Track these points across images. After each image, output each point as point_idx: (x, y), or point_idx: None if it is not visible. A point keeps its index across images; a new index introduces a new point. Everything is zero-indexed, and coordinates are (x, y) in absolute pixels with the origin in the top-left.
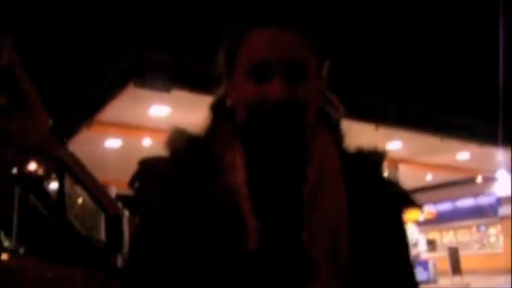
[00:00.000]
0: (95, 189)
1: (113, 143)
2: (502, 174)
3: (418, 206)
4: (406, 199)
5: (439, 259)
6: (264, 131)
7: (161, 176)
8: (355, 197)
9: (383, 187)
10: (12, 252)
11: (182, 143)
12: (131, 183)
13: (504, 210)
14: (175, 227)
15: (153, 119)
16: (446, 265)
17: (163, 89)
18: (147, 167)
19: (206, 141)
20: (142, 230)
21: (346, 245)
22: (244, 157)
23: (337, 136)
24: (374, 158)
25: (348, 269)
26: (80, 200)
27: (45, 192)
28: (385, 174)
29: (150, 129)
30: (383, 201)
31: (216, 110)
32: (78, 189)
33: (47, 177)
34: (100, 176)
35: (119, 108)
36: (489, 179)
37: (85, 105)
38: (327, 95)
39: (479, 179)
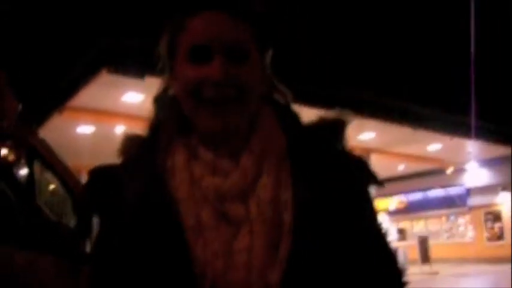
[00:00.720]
0: (65, 175)
1: (85, 129)
2: (471, 166)
3: (376, 179)
4: (364, 173)
5: (409, 248)
6: (204, 116)
7: (110, 185)
8: (307, 181)
9: (339, 161)
10: None
11: (133, 149)
12: (81, 195)
13: (473, 200)
14: (125, 237)
15: (126, 105)
16: (416, 254)
17: (137, 76)
18: (97, 177)
19: (152, 144)
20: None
21: (288, 239)
22: (185, 155)
23: (286, 120)
24: (330, 129)
25: (289, 265)
26: (51, 187)
27: (15, 179)
28: (343, 145)
29: (124, 116)
30: (340, 177)
31: (158, 105)
32: (49, 175)
33: (17, 163)
34: (72, 162)
35: (91, 94)
36: (459, 170)
37: (57, 91)
38: (273, 82)
39: (449, 170)
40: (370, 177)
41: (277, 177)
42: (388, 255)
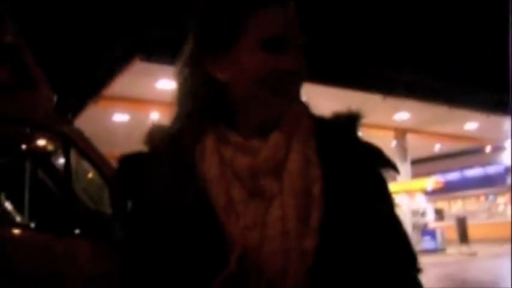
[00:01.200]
0: (101, 163)
1: (120, 117)
2: (510, 144)
3: (393, 166)
4: (380, 158)
5: (446, 228)
6: (270, 103)
7: (140, 171)
8: (329, 161)
9: (357, 148)
10: (23, 227)
11: (160, 138)
12: (113, 181)
13: None
14: (156, 227)
15: (159, 92)
16: (454, 234)
17: (169, 63)
18: (127, 163)
19: (181, 135)
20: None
21: (319, 210)
22: (214, 139)
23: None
24: (347, 121)
25: (321, 233)
26: (89, 175)
27: (54, 168)
28: (359, 136)
29: (157, 103)
30: (358, 163)
31: (192, 89)
32: (86, 164)
33: (55, 153)
34: (109, 150)
35: (125, 83)
36: (497, 149)
37: (91, 81)
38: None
39: (487, 149)
40: (386, 163)
41: (304, 154)
42: (402, 239)
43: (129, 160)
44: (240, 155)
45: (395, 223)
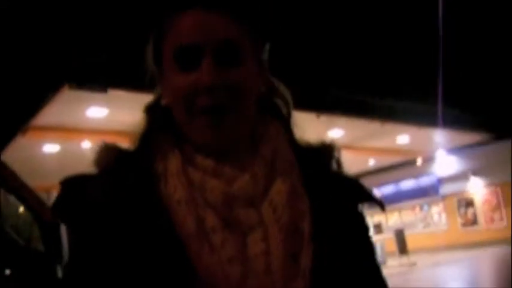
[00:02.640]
0: (29, 198)
1: (50, 147)
2: (440, 155)
3: (379, 202)
4: (364, 195)
5: (386, 241)
6: (198, 127)
7: (89, 199)
8: (315, 193)
9: (339, 183)
10: None
11: (113, 159)
12: (55, 209)
13: (445, 188)
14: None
15: (90, 120)
16: (393, 246)
17: (100, 90)
18: (72, 189)
19: (139, 155)
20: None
21: (309, 248)
22: (180, 160)
23: (289, 130)
24: (324, 152)
25: (314, 275)
26: (19, 210)
27: None
28: (337, 167)
29: (89, 131)
30: (342, 198)
31: (150, 116)
32: (13, 199)
33: None
34: (40, 182)
35: (54, 112)
36: (429, 160)
37: (18, 111)
38: (272, 83)
39: (419, 161)
40: (371, 198)
41: (291, 184)
42: (380, 275)
43: (72, 183)
44: (211, 178)
45: (378, 269)
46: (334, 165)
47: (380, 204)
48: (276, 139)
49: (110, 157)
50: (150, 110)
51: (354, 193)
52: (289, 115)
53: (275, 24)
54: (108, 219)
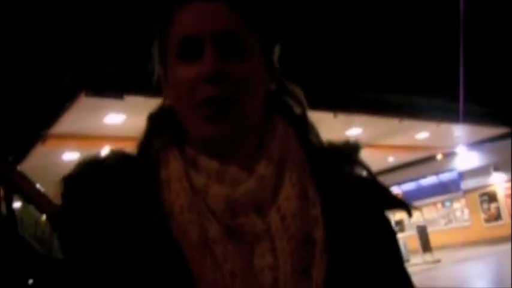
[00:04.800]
0: (48, 207)
1: (70, 155)
2: (461, 150)
3: (405, 205)
4: (390, 200)
5: (408, 238)
6: (200, 120)
7: (89, 198)
8: (329, 199)
9: (361, 187)
10: None
11: (115, 160)
12: (57, 218)
13: (467, 184)
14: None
15: (109, 127)
16: (416, 244)
17: (116, 96)
18: (72, 186)
19: (142, 159)
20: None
21: (323, 260)
22: (182, 165)
23: (302, 132)
24: (345, 153)
25: (329, 283)
26: (40, 219)
27: None
28: (362, 169)
29: (107, 138)
30: (363, 204)
31: (152, 121)
32: (33, 208)
33: None
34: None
35: (72, 120)
36: (449, 155)
37: (36, 121)
38: (282, 82)
39: (439, 156)
40: (398, 204)
41: (301, 188)
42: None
43: (76, 181)
44: (214, 183)
45: (408, 279)
46: (357, 167)
47: (407, 209)
48: (285, 139)
49: (116, 158)
50: (153, 116)
51: (378, 198)
52: (304, 115)
53: (286, 24)
54: (107, 228)
